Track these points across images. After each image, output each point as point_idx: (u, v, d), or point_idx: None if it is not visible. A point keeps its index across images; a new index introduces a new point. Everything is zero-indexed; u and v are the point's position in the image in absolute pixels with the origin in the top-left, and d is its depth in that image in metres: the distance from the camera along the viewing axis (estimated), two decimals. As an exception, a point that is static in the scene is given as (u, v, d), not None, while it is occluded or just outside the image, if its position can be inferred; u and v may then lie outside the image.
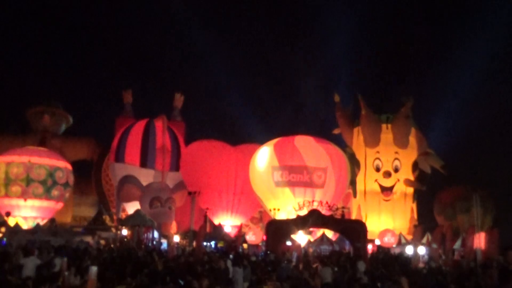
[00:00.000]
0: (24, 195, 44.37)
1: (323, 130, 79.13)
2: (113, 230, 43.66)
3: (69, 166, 47.63)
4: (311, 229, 37.83)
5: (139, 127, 47.91)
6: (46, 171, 45.06)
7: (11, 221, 43.25)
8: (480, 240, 42.73)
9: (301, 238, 38.89)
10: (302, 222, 33.49)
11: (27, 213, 45.07)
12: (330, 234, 39.78)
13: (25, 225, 43.51)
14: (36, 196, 44.82)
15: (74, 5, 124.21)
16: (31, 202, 44.77)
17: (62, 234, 40.44)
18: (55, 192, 45.60)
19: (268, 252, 30.06)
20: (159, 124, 47.62)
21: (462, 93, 74.37)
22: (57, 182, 45.67)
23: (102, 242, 40.54)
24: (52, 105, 54.14)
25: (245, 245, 40.52)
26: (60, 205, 47.22)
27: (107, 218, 48.27)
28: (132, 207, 44.15)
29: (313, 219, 33.52)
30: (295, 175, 41.85)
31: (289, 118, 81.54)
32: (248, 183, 44.05)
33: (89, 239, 40.30)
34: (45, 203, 45.53)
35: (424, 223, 47.44)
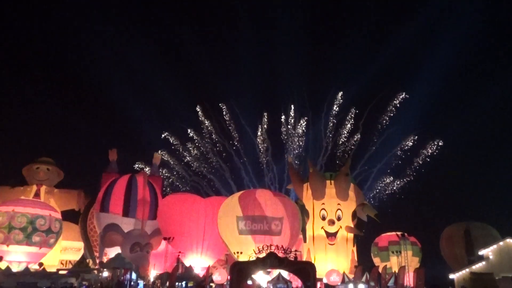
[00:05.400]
0: (6, 241, 42.83)
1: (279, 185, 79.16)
2: (95, 272, 41.86)
3: (54, 214, 45.76)
4: (269, 269, 37.43)
5: (123, 181, 47.24)
6: (26, 219, 43.58)
7: (3, 265, 41.47)
8: (409, 278, 43.64)
9: (260, 277, 38.64)
10: (261, 264, 33.15)
11: (12, 258, 43.19)
12: (285, 274, 38.86)
13: (14, 269, 41.13)
14: (17, 242, 43.15)
15: (64, 72, 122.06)
16: (13, 247, 42.99)
17: (48, 276, 38.99)
18: (36, 238, 43.79)
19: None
20: (141, 179, 47.29)
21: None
22: (38, 229, 43.99)
23: (85, 283, 38.74)
24: (47, 162, 53.05)
25: (212, 285, 39.47)
26: (44, 250, 44.89)
27: (90, 262, 47.03)
28: (113, 252, 42.98)
29: (270, 260, 33.17)
30: (256, 224, 41.71)
31: (252, 174, 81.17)
32: (216, 230, 43.73)
33: (73, 280, 38.91)
34: (28, 249, 43.51)
35: (363, 264, 47.35)
